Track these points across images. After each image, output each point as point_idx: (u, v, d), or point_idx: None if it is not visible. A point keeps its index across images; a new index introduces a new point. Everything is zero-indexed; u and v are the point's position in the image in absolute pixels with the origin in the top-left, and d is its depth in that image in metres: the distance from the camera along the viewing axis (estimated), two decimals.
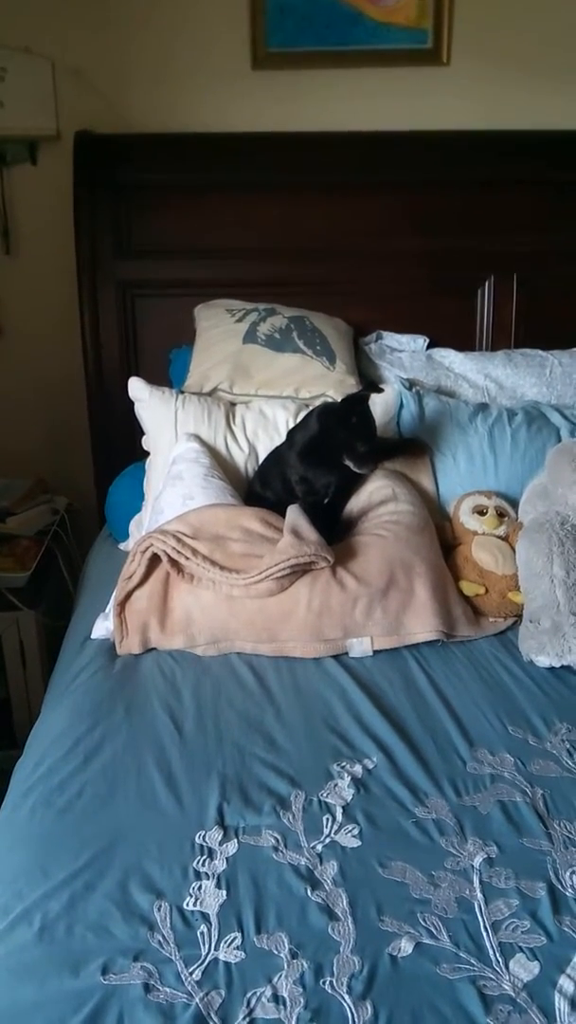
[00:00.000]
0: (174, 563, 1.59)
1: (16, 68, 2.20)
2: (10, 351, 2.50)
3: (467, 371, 2.23)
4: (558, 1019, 0.90)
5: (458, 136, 2.32)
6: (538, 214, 2.34)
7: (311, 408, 1.87)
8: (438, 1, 2.27)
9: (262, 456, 1.96)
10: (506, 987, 0.94)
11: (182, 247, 2.30)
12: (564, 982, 0.94)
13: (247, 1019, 0.90)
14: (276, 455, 1.88)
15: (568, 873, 1.09)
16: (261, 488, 1.87)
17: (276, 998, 0.92)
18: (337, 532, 1.75)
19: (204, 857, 1.11)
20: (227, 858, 1.11)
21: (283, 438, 1.94)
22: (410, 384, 2.12)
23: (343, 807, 1.20)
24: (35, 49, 2.23)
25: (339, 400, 1.99)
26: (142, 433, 2.06)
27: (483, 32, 2.31)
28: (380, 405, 2.02)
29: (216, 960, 0.97)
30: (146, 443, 2.06)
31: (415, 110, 2.34)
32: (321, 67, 2.32)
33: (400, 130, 2.32)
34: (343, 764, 1.29)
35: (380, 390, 1.83)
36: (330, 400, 2.04)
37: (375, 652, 1.58)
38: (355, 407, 1.71)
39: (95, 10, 2.26)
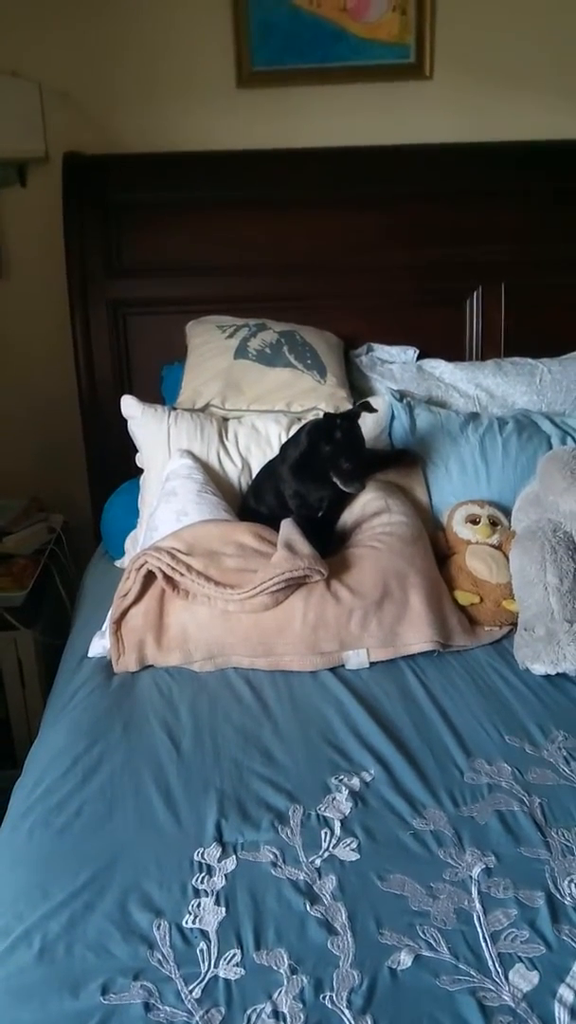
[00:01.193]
0: (169, 580, 1.59)
1: (3, 91, 2.22)
2: (3, 371, 2.51)
3: (457, 381, 2.24)
4: None
5: (443, 149, 2.34)
6: (524, 224, 2.36)
7: (304, 422, 1.88)
8: (420, 16, 2.30)
9: (255, 471, 1.97)
10: (506, 998, 0.94)
11: (172, 265, 2.32)
12: (564, 991, 0.94)
13: None
14: (269, 469, 1.89)
15: (566, 882, 1.09)
16: (255, 502, 1.88)
17: (276, 1014, 0.92)
18: (331, 545, 1.76)
19: (203, 874, 1.11)
20: (226, 875, 1.11)
21: (276, 452, 1.95)
22: (401, 395, 2.14)
23: (341, 821, 1.20)
24: (22, 72, 2.26)
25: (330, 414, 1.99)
26: (136, 450, 2.07)
27: (465, 46, 2.34)
28: (371, 417, 2.03)
29: (216, 977, 0.97)
30: (140, 460, 2.06)
31: (400, 124, 2.37)
32: (306, 84, 2.34)
33: (385, 144, 2.34)
34: (341, 777, 1.29)
35: (373, 410, 1.82)
36: (322, 413, 2.05)
37: (371, 664, 1.58)
38: (341, 423, 1.69)
39: (81, 33, 2.28)
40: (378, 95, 2.37)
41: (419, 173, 2.33)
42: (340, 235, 2.33)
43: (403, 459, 2.00)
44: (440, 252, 2.34)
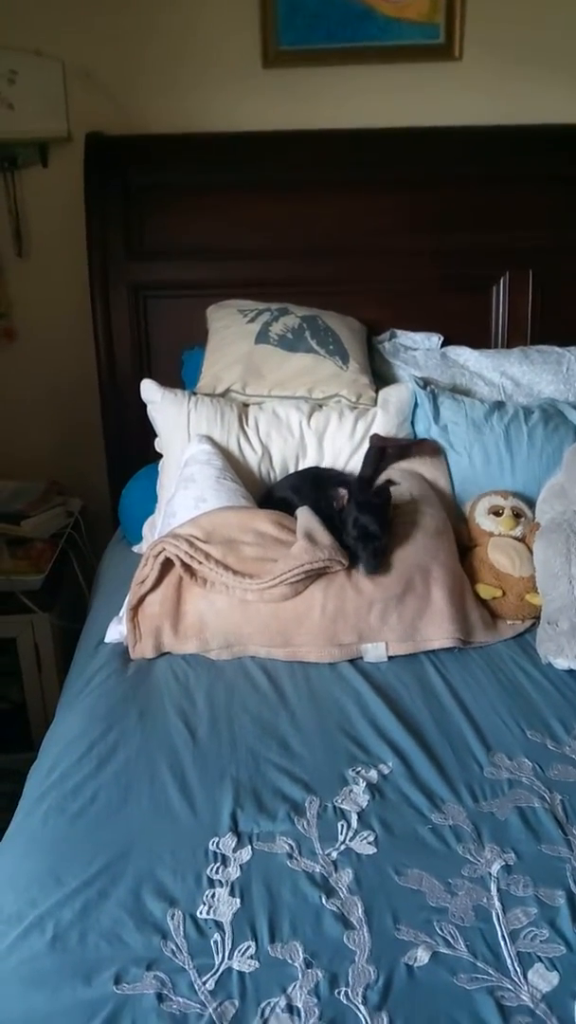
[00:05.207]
0: (187, 567, 1.58)
1: (26, 70, 2.19)
2: (23, 354, 2.50)
3: (482, 369, 2.20)
4: None
5: (472, 131, 2.30)
6: (553, 209, 2.31)
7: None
8: None
9: (275, 457, 1.95)
10: (524, 998, 0.92)
11: (194, 248, 2.29)
12: None
13: None
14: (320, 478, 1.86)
15: None
16: (298, 499, 1.80)
17: (290, 1008, 0.91)
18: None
19: (218, 864, 1.10)
20: (241, 865, 1.10)
21: (296, 439, 1.94)
22: (424, 383, 2.10)
23: (358, 813, 1.19)
24: (45, 51, 2.23)
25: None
26: (155, 435, 2.06)
27: (496, 26, 2.28)
28: (394, 405, 2.01)
29: (230, 969, 0.96)
30: (159, 445, 2.05)
31: (428, 106, 2.32)
32: (332, 64, 2.30)
33: (413, 126, 2.29)
34: (358, 769, 1.27)
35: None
36: (344, 400, 2.02)
37: (390, 657, 1.56)
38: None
39: (105, 11, 2.25)
40: (406, 76, 2.32)
41: (447, 156, 2.28)
42: (365, 219, 2.29)
43: (426, 448, 1.97)
44: (467, 237, 2.30)
